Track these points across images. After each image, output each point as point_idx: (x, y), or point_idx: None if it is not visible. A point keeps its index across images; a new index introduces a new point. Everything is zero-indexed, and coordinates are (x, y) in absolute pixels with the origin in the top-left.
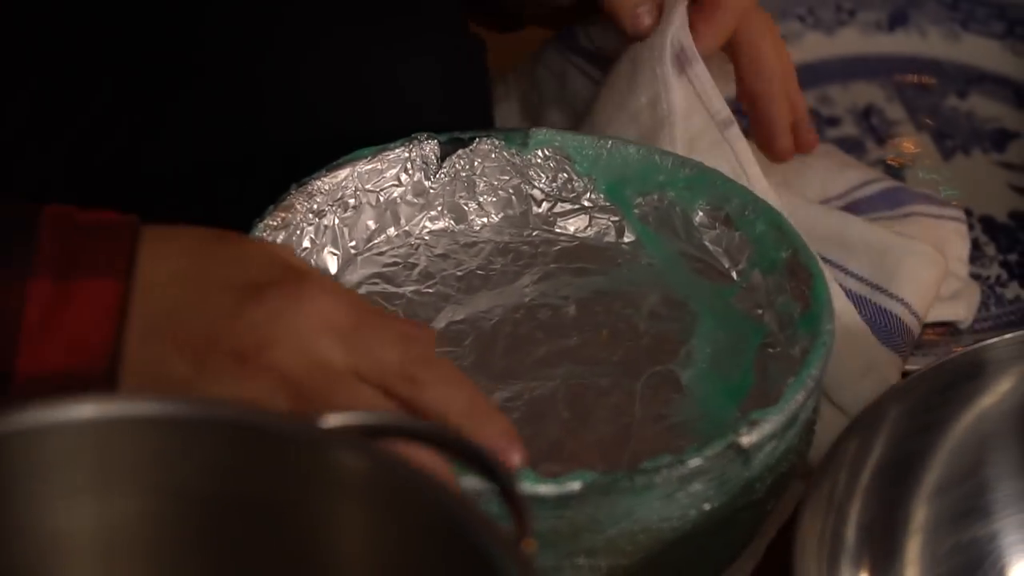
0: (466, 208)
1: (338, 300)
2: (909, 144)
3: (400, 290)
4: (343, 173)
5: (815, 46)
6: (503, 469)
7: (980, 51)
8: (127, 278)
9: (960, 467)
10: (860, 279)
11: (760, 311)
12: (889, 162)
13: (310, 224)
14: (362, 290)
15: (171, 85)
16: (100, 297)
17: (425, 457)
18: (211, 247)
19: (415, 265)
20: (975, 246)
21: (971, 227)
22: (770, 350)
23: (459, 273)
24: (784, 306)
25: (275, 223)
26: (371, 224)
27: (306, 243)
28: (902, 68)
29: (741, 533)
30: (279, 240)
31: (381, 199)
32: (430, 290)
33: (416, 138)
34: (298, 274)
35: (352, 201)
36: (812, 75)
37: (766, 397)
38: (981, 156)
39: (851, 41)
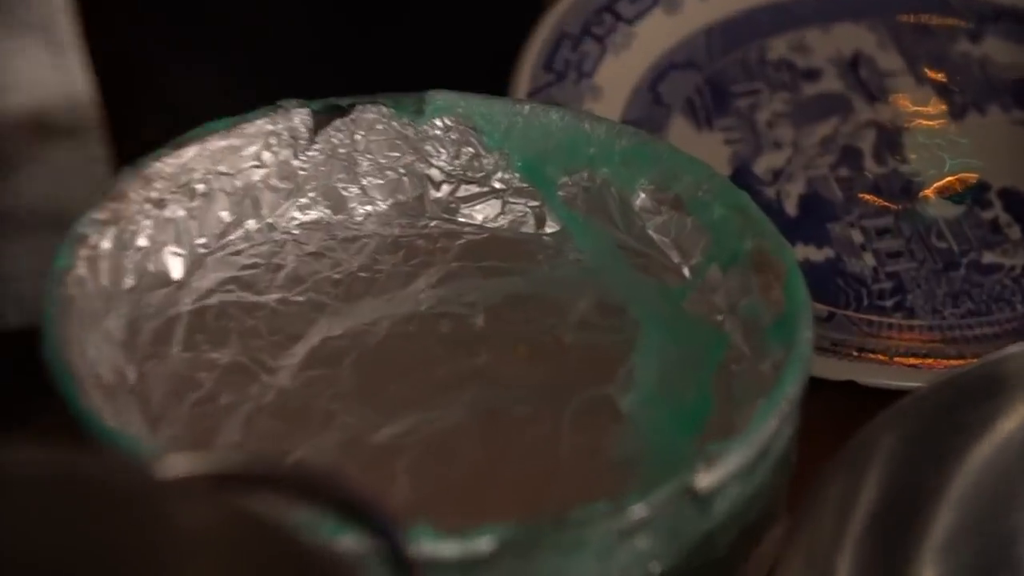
0: (345, 194)
1: None
2: (907, 101)
3: (262, 299)
4: (189, 152)
5: None
6: (389, 523)
7: None
8: None
9: (977, 512)
10: None
11: (720, 317)
12: (883, 125)
13: (148, 217)
14: (214, 299)
15: None
16: None
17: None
18: None
19: (281, 267)
20: (993, 228)
21: (989, 204)
22: (733, 366)
23: (337, 276)
24: (750, 310)
25: (104, 217)
26: (225, 216)
27: (143, 241)
28: (898, 4)
29: None
30: (109, 236)
31: (238, 184)
32: (300, 298)
33: (281, 106)
34: None
35: (201, 187)
36: (783, 17)
37: (729, 426)
38: (1000, 115)
39: None
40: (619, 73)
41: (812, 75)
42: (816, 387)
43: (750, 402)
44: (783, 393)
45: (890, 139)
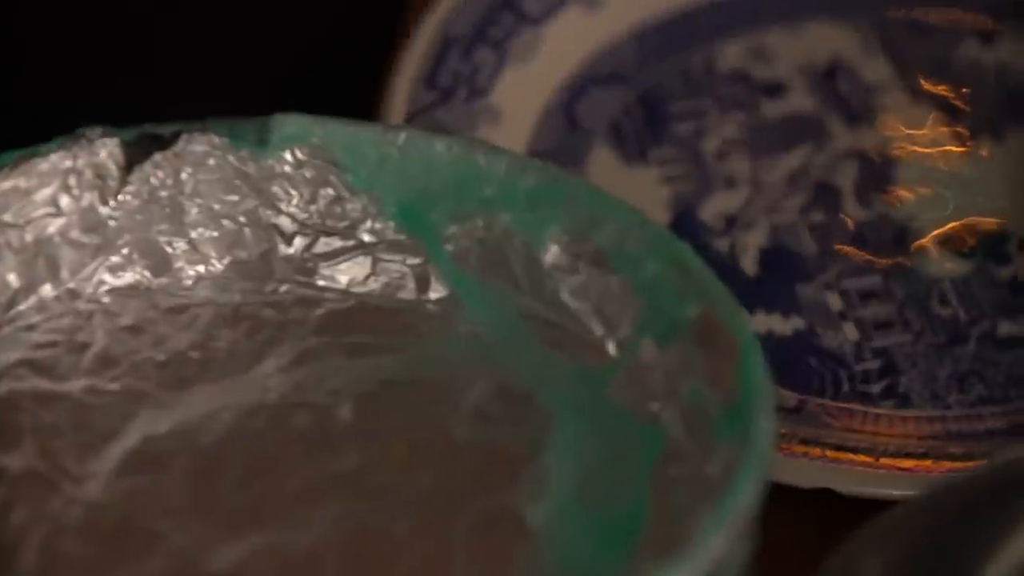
0: (170, 250)
1: None
2: (899, 123)
3: (63, 387)
4: None
5: None
6: None
7: None
8: None
9: None
10: None
11: (655, 406)
12: (867, 155)
13: None
14: (1, 388)
15: None
16: None
17: None
18: None
19: (87, 345)
20: (1013, 289)
21: (1007, 259)
22: (672, 468)
23: (160, 357)
24: (694, 396)
25: None
26: (12, 280)
27: None
28: None
29: None
30: None
31: (28, 238)
32: (114, 385)
33: (82, 135)
34: None
35: None
36: (736, 14)
37: (667, 543)
38: (1023, 140)
39: None
40: (523, 90)
41: (775, 90)
42: (781, 496)
43: (694, 513)
44: (736, 502)
45: (877, 173)
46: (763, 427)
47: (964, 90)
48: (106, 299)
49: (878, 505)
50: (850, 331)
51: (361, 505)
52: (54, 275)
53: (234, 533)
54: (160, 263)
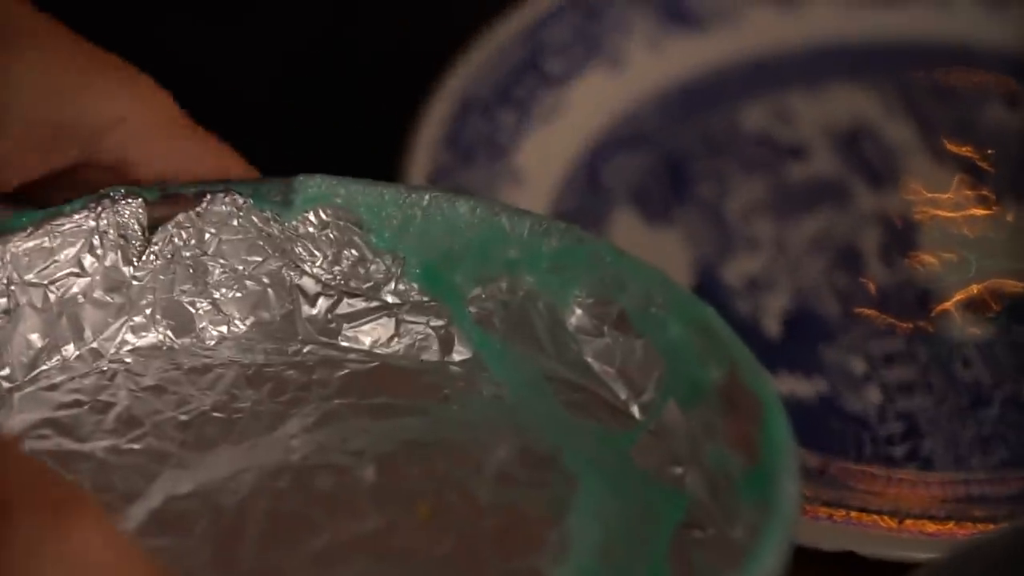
0: (193, 310)
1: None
2: (922, 185)
3: (86, 447)
4: None
5: (763, 28)
6: None
7: None
8: None
9: None
10: None
11: (678, 470)
12: (890, 218)
13: None
14: (23, 447)
15: None
16: None
17: None
18: None
19: (110, 405)
20: None
21: None
22: (696, 532)
23: (184, 417)
24: (717, 460)
25: None
26: (36, 339)
27: None
28: (908, 58)
29: None
30: None
31: (51, 298)
32: (136, 445)
33: (106, 195)
34: (60, 492)
35: (3, 302)
36: (760, 75)
37: None
38: None
39: (823, 18)
40: (546, 151)
41: (798, 152)
42: (804, 559)
43: None
44: (760, 567)
45: (900, 236)
46: (788, 490)
47: (989, 151)
48: (129, 359)
49: (900, 568)
50: (873, 394)
51: (383, 567)
52: (77, 335)
53: None
54: (183, 323)
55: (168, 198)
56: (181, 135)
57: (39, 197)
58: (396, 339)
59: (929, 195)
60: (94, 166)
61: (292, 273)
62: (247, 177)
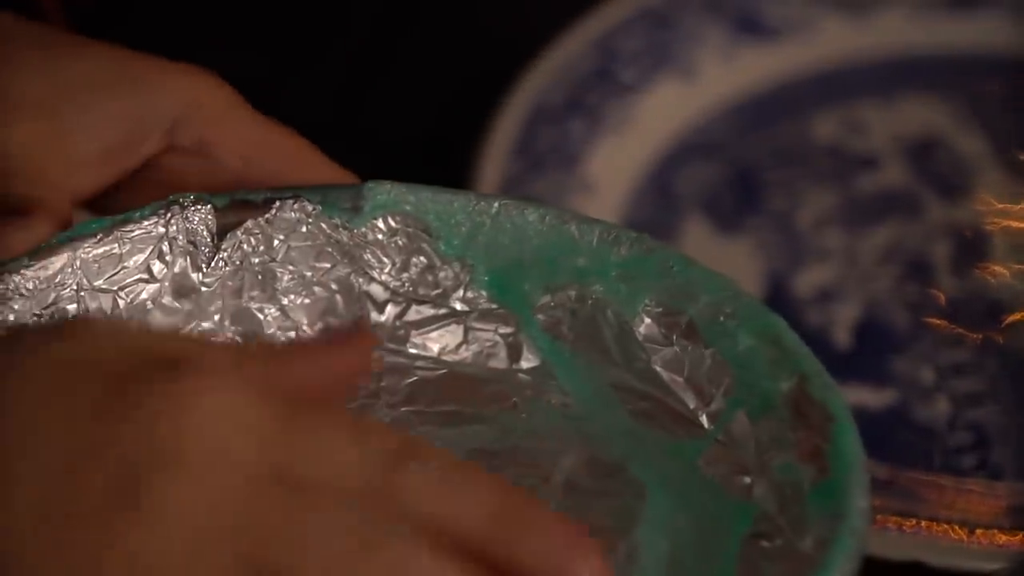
0: (261, 316)
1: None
2: (991, 199)
3: None
4: (57, 262)
5: (835, 39)
6: None
7: None
8: None
9: None
10: None
11: (747, 480)
12: (961, 229)
13: None
14: None
15: None
16: None
17: None
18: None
19: None
20: None
21: None
22: (764, 543)
23: None
24: (787, 471)
25: None
26: None
27: None
28: (980, 69)
29: None
30: None
31: (121, 304)
32: None
33: (176, 201)
34: (183, 360)
35: (73, 308)
36: (831, 86)
37: None
38: None
39: (895, 28)
40: (617, 160)
41: (869, 163)
42: (873, 570)
43: None
44: None
45: (971, 247)
46: (857, 504)
47: None
48: None
49: None
50: (943, 404)
51: None
52: None
53: None
54: (251, 330)
55: (237, 204)
56: (258, 120)
57: (126, 197)
58: (464, 346)
59: (1000, 206)
60: (178, 152)
61: (360, 280)
62: (325, 167)
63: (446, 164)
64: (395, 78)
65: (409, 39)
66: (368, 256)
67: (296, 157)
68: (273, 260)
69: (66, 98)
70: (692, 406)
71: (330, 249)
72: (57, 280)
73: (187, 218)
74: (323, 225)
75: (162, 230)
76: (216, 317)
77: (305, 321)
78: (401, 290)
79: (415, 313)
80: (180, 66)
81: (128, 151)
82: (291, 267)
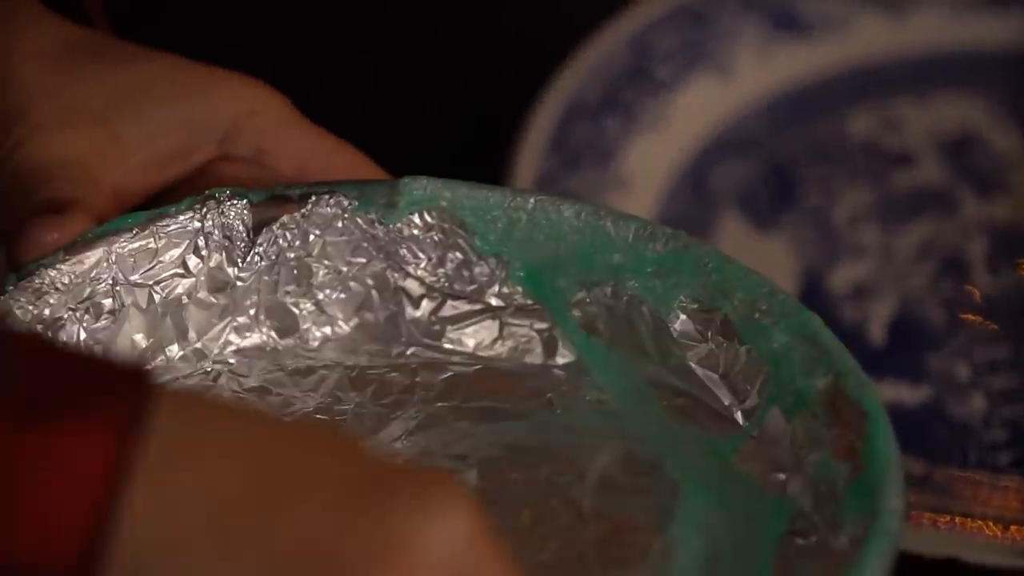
0: (297, 311)
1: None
2: None
3: None
4: (92, 256)
5: (870, 36)
6: None
7: None
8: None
9: None
10: None
11: (782, 477)
12: (998, 226)
13: None
14: None
15: None
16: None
17: None
18: (273, 427)
19: None
20: None
21: None
22: (799, 541)
23: (287, 419)
24: (822, 469)
25: None
26: (140, 340)
27: None
28: (1016, 67)
29: None
30: None
31: (156, 298)
32: None
33: (212, 196)
34: (420, 472)
35: (108, 303)
36: (867, 83)
37: None
38: None
39: (932, 25)
40: (652, 156)
41: (905, 160)
42: (908, 567)
43: None
44: None
45: (1007, 244)
46: (892, 502)
47: None
48: (233, 360)
49: None
50: (978, 401)
51: None
52: (181, 335)
53: None
54: (287, 325)
55: (273, 200)
56: (312, 130)
57: (175, 202)
58: (500, 342)
59: None
60: (231, 160)
61: (396, 275)
62: (376, 175)
63: (482, 161)
64: (430, 77)
65: (442, 39)
66: (404, 251)
67: (350, 167)
68: (309, 255)
69: (122, 108)
70: (727, 403)
71: (366, 244)
72: (92, 275)
73: (223, 213)
74: (359, 220)
75: (198, 225)
76: (251, 312)
77: (341, 316)
78: (437, 285)
79: (450, 308)
80: (235, 76)
81: (181, 159)
82: (327, 262)
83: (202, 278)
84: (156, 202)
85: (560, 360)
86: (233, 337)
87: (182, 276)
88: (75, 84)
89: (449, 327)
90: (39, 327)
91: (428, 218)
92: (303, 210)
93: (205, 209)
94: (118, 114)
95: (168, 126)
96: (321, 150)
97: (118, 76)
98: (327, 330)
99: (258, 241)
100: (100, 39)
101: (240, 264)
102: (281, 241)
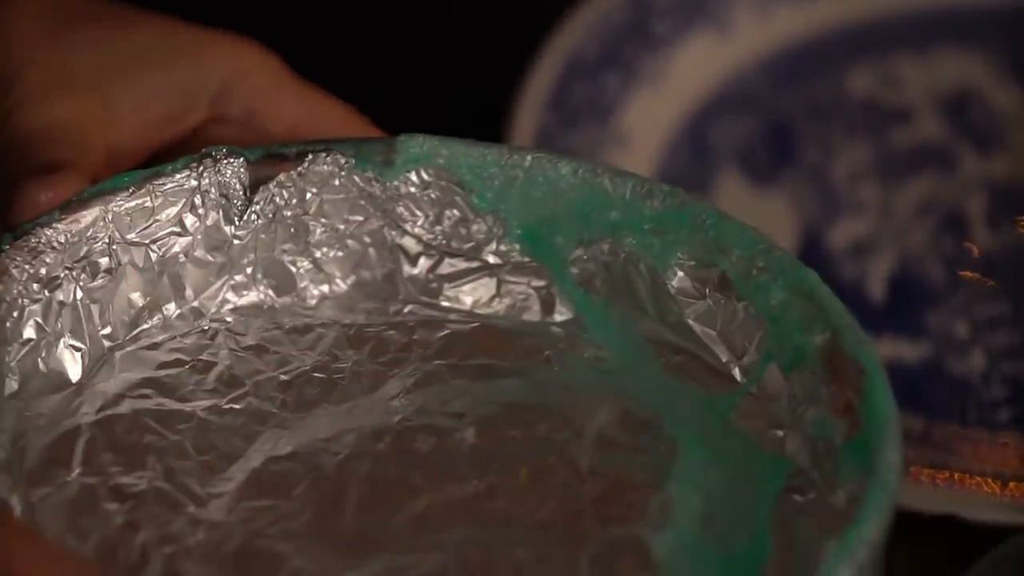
0: (294, 269)
1: None
2: None
3: (187, 407)
4: (89, 215)
5: None
6: None
7: None
8: None
9: None
10: None
11: (780, 433)
12: (997, 183)
13: (35, 300)
14: (124, 407)
15: None
16: None
17: None
18: None
19: (211, 365)
20: None
21: None
22: (797, 497)
23: (284, 377)
24: (819, 425)
25: None
26: (137, 298)
27: (29, 332)
28: (1015, 22)
29: None
30: None
31: (153, 257)
32: (236, 405)
33: (208, 154)
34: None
35: (105, 261)
36: (866, 40)
37: (792, 575)
38: None
39: None
40: (651, 112)
41: (904, 116)
42: (906, 524)
43: (818, 545)
44: (861, 534)
45: (1007, 201)
46: (889, 459)
47: None
48: (230, 318)
49: (1006, 533)
50: (977, 358)
51: (482, 531)
52: (179, 294)
53: (355, 557)
54: (284, 283)
55: (270, 158)
56: (304, 89)
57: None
58: (497, 299)
59: None
60: (223, 122)
61: (393, 233)
62: (370, 133)
63: (480, 119)
64: (431, 36)
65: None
66: (401, 209)
67: (343, 126)
68: (306, 213)
69: (114, 72)
70: (725, 359)
71: (363, 202)
72: (89, 233)
73: (219, 171)
74: (356, 178)
75: (194, 183)
76: (249, 270)
77: (338, 274)
78: (434, 243)
79: (448, 266)
80: (227, 37)
81: (173, 122)
82: (324, 220)
83: (199, 236)
84: (150, 166)
85: (558, 318)
86: (230, 295)
87: (179, 234)
88: (67, 49)
89: (446, 285)
90: (36, 286)
91: (425, 176)
92: (300, 168)
93: (202, 168)
94: (110, 79)
95: (160, 90)
96: (314, 110)
97: (110, 40)
98: (324, 288)
99: (255, 199)
100: (92, 3)
101: (237, 222)
102: (278, 199)
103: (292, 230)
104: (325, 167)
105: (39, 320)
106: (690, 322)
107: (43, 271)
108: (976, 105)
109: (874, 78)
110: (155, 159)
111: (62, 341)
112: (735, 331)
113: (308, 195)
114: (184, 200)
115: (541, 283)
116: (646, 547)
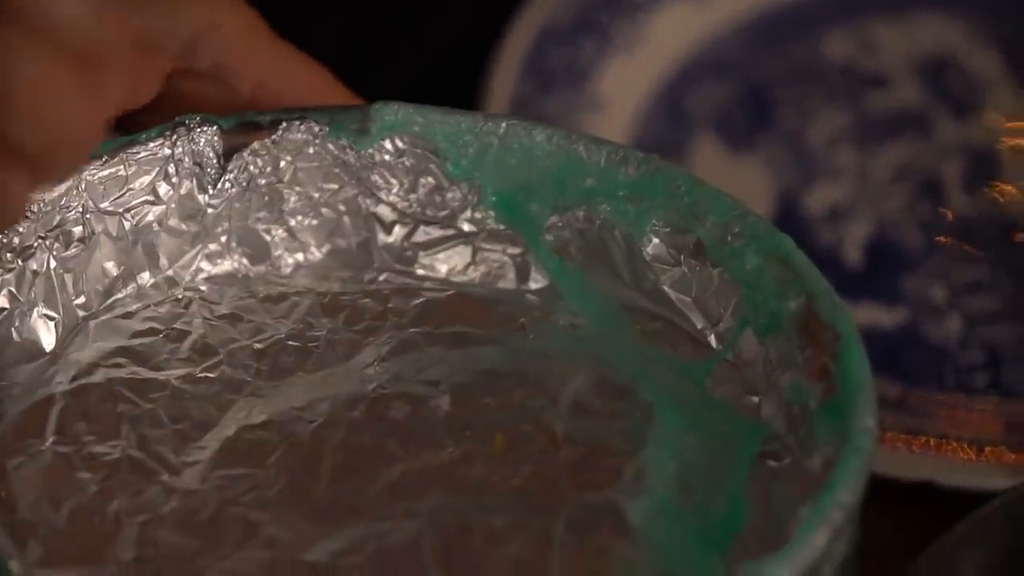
0: (268, 238)
1: None
2: (1003, 118)
3: (161, 376)
4: (61, 185)
5: None
6: None
7: None
8: None
9: None
10: None
11: (755, 399)
12: (974, 147)
13: (8, 270)
14: (98, 376)
15: None
16: None
17: None
18: None
19: (186, 334)
20: None
21: None
22: (772, 463)
23: (259, 345)
24: (794, 390)
25: None
26: (111, 267)
27: (3, 302)
28: None
29: None
30: None
31: (127, 226)
32: (211, 374)
33: (181, 122)
34: None
35: (79, 230)
36: (844, 4)
37: (766, 541)
38: None
39: None
40: (627, 78)
41: (880, 81)
42: (882, 490)
43: (793, 510)
44: (836, 498)
45: (983, 165)
46: (864, 424)
47: None
48: (204, 287)
49: (981, 499)
50: (954, 323)
51: (458, 499)
52: (152, 263)
53: (330, 525)
54: (259, 251)
55: (244, 126)
56: (276, 46)
57: (145, 120)
58: (472, 267)
59: (1011, 125)
60: (192, 75)
61: (368, 201)
62: (341, 95)
63: (455, 86)
64: (407, 1)
65: None
66: (375, 177)
67: (313, 86)
68: (280, 181)
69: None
70: (700, 326)
71: (337, 170)
72: (62, 203)
73: (193, 140)
74: (330, 146)
75: (168, 152)
76: (223, 239)
77: (313, 243)
78: (409, 211)
79: (423, 234)
80: None
81: (138, 78)
82: (298, 188)
83: (173, 205)
84: (122, 123)
85: (533, 285)
86: (205, 264)
87: (152, 203)
88: None
89: (421, 253)
90: (9, 255)
91: (400, 143)
92: (274, 136)
93: (175, 136)
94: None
95: (123, 44)
96: (284, 68)
97: None
98: (299, 256)
99: (229, 168)
100: None
101: (211, 191)
102: (252, 168)
103: (266, 198)
104: (299, 135)
105: (12, 289)
106: (665, 288)
107: (16, 240)
108: (953, 70)
109: (851, 43)
110: (126, 115)
111: (36, 310)
112: (710, 297)
113: (282, 163)
114: (158, 169)
115: (516, 250)
116: (622, 513)
